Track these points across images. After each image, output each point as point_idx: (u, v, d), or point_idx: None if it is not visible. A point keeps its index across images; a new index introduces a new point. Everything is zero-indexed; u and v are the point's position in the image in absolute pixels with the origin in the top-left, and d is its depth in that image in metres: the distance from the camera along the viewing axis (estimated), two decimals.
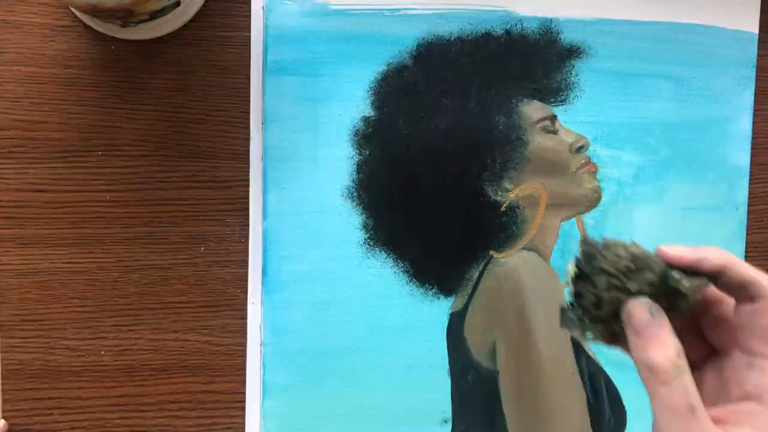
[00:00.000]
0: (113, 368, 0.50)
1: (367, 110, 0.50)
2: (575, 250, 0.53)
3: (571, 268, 0.33)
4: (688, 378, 0.29)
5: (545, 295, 0.51)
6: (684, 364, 0.29)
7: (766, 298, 0.30)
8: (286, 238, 0.50)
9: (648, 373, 0.29)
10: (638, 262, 0.31)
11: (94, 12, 0.44)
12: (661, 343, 0.29)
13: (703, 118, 0.53)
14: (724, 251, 0.31)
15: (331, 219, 0.50)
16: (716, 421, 0.28)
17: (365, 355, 0.51)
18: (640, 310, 0.30)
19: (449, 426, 0.52)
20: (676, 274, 0.31)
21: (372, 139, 0.50)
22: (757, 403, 0.28)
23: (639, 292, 0.31)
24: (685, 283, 0.31)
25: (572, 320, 0.33)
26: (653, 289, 0.31)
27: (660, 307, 0.31)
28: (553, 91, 0.52)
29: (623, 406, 0.52)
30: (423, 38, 0.51)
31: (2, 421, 0.49)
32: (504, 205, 0.51)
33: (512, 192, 0.51)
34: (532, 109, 0.51)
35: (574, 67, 0.52)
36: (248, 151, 0.50)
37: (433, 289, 0.51)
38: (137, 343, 0.50)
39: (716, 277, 0.31)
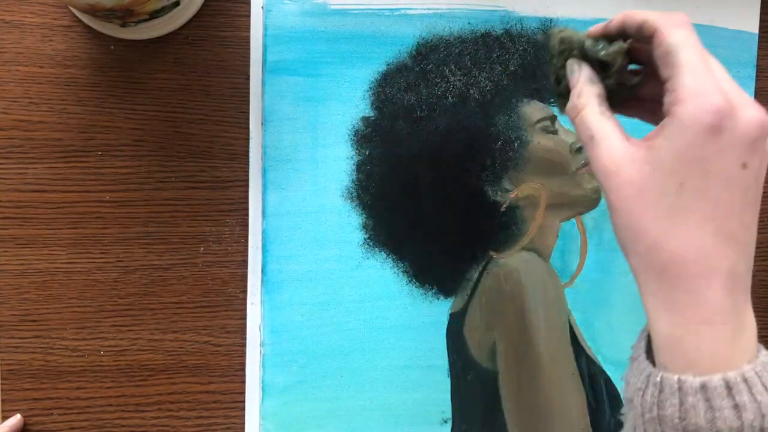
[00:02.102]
0: (112, 368, 0.50)
1: (367, 110, 0.50)
2: (575, 250, 0.53)
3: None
4: (585, 113, 0.33)
5: (545, 296, 0.51)
6: (584, 102, 0.34)
7: (659, 30, 0.33)
8: (285, 239, 0.50)
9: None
10: (564, 43, 0.36)
11: (93, 12, 0.44)
12: (574, 88, 0.35)
13: None
14: (625, 11, 0.35)
15: (330, 219, 0.50)
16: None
17: (365, 355, 0.51)
18: (568, 69, 0.36)
19: (449, 426, 0.52)
20: (592, 45, 0.35)
21: (372, 139, 0.50)
22: (669, 117, 0.31)
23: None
24: (601, 50, 0.35)
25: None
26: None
27: (581, 63, 0.35)
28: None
29: (623, 406, 0.52)
30: (423, 38, 0.51)
31: (18, 415, 0.49)
32: (504, 206, 0.51)
33: (512, 192, 0.51)
34: (532, 109, 0.51)
35: None
36: (248, 151, 0.50)
37: (433, 290, 0.51)
38: (136, 344, 0.50)
39: (628, 35, 0.35)
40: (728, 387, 0.28)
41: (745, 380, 0.29)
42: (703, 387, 0.28)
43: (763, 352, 0.30)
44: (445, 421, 0.52)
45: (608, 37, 0.35)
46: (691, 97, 0.30)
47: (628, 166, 0.31)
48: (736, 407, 0.28)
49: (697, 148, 0.30)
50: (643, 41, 0.34)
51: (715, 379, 0.28)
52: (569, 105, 0.35)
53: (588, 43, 0.35)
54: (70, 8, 0.48)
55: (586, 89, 0.34)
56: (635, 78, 0.35)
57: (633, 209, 0.31)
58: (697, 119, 0.30)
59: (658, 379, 0.30)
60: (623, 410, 0.33)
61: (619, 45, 0.34)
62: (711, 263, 0.30)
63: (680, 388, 0.29)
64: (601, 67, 0.35)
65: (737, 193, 0.30)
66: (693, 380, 0.29)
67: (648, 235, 0.31)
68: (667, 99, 0.32)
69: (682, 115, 0.30)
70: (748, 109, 0.30)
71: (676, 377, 0.29)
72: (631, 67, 0.36)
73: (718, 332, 0.29)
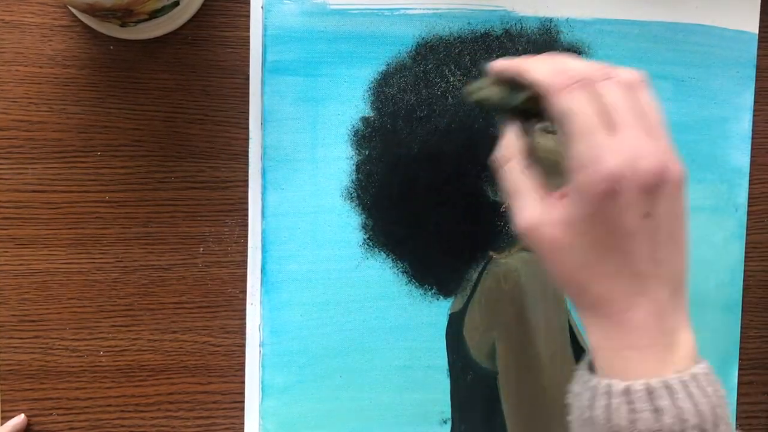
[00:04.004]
0: (112, 369, 0.50)
1: (367, 110, 0.50)
2: None
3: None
4: (509, 167, 0.36)
5: (545, 296, 0.51)
6: (509, 155, 0.36)
7: (547, 95, 0.34)
8: (285, 239, 0.50)
9: None
10: (482, 104, 0.38)
11: (93, 12, 0.44)
12: (503, 140, 0.37)
13: (702, 119, 0.53)
14: (519, 64, 0.36)
15: (330, 219, 0.50)
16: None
17: (365, 355, 0.51)
18: (498, 122, 0.38)
19: (449, 426, 0.52)
20: (502, 99, 0.38)
21: (371, 139, 0.50)
22: (571, 182, 0.34)
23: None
24: (512, 101, 0.37)
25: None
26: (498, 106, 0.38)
27: (507, 119, 0.37)
28: None
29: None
30: (423, 38, 0.50)
31: (22, 415, 0.49)
32: (504, 206, 0.51)
33: None
34: None
35: None
36: (247, 151, 0.50)
37: (433, 290, 0.51)
38: (136, 344, 0.50)
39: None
40: (649, 392, 0.31)
41: (667, 387, 0.31)
42: (627, 390, 0.31)
43: (701, 365, 0.33)
44: (445, 421, 0.52)
45: (515, 82, 0.37)
46: (583, 167, 0.33)
47: (545, 226, 0.34)
48: (656, 411, 0.31)
49: (598, 212, 0.32)
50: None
51: (638, 384, 0.31)
52: (497, 154, 0.37)
53: (499, 98, 0.37)
54: (70, 8, 0.48)
55: (511, 144, 0.37)
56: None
57: (556, 261, 0.34)
58: (591, 187, 0.32)
59: (593, 383, 0.33)
60: (568, 417, 0.35)
61: (525, 94, 0.36)
62: (631, 300, 0.33)
63: (607, 392, 0.32)
64: (521, 112, 0.37)
65: (644, 240, 0.33)
66: (618, 384, 0.32)
67: (574, 282, 0.34)
68: (567, 164, 0.34)
69: (579, 183, 0.33)
70: (643, 161, 0.32)
71: (605, 381, 0.32)
72: None
73: (646, 354, 0.33)
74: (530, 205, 0.35)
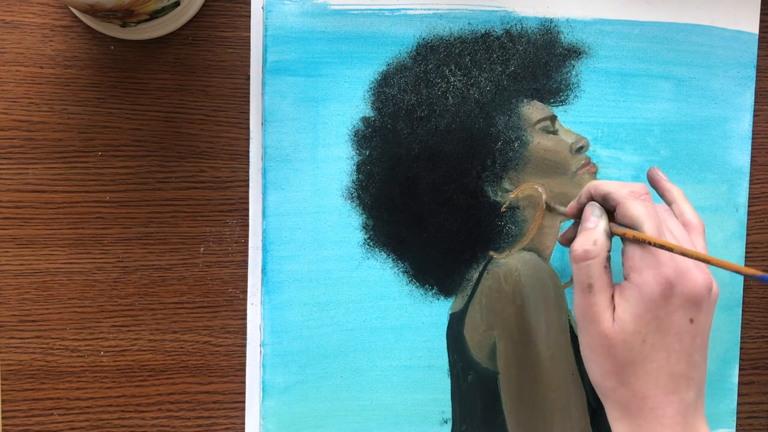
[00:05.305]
0: (112, 369, 0.50)
1: (367, 111, 0.50)
2: None
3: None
4: (594, 263, 0.39)
5: (545, 296, 0.51)
6: (597, 252, 0.39)
7: (620, 203, 0.40)
8: (285, 239, 0.50)
9: (570, 255, 0.40)
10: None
11: (94, 12, 0.44)
12: (585, 233, 0.40)
13: (702, 119, 0.53)
14: (590, 183, 0.43)
15: (330, 219, 0.50)
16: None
17: (365, 355, 0.51)
18: (588, 210, 0.41)
19: (449, 426, 0.52)
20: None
21: (372, 139, 0.50)
22: (626, 280, 0.39)
23: None
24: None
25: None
26: None
27: (604, 212, 0.41)
28: (553, 92, 0.52)
29: None
30: (423, 38, 0.51)
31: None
32: (504, 206, 0.51)
33: (512, 193, 0.51)
34: (532, 110, 0.51)
35: (574, 67, 0.52)
36: (248, 151, 0.50)
37: (433, 290, 0.51)
38: (136, 344, 0.50)
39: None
40: None
41: None
42: None
43: None
44: (445, 422, 0.52)
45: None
46: (647, 268, 0.37)
47: (605, 322, 0.38)
48: None
49: (653, 311, 0.37)
50: (608, 206, 0.42)
51: None
52: (583, 246, 0.39)
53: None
54: (71, 8, 0.48)
55: (601, 240, 0.39)
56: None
57: (605, 355, 0.38)
58: (650, 288, 0.37)
59: None
60: None
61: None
62: (665, 397, 0.37)
63: None
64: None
65: (686, 342, 0.38)
66: None
67: (614, 377, 0.38)
68: (625, 261, 0.39)
69: (639, 283, 0.37)
70: (694, 273, 0.38)
71: None
72: None
73: None
74: (605, 301, 0.38)
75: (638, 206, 0.39)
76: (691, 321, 0.38)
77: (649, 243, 0.38)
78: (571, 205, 0.44)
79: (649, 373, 0.37)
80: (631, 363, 0.38)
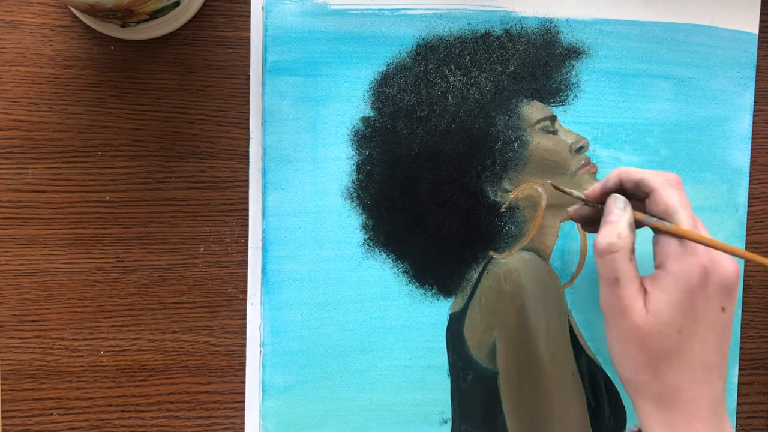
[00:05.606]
0: (112, 369, 0.50)
1: (367, 110, 0.50)
2: (575, 250, 0.53)
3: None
4: (619, 255, 0.37)
5: (545, 296, 0.51)
6: (621, 245, 0.38)
7: (655, 190, 0.39)
8: (285, 239, 0.50)
9: (593, 249, 0.39)
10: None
11: (94, 12, 0.44)
12: (608, 226, 0.39)
13: (702, 119, 0.53)
14: (620, 168, 0.41)
15: (330, 219, 0.50)
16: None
17: (365, 355, 0.51)
18: (612, 202, 0.40)
19: (449, 426, 0.52)
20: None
21: (372, 139, 0.50)
22: (660, 269, 0.38)
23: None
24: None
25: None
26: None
27: (628, 204, 0.40)
28: (553, 92, 0.52)
29: (623, 407, 0.52)
30: (423, 38, 0.51)
31: None
32: (504, 206, 0.51)
33: (512, 193, 0.51)
34: (532, 110, 0.51)
35: (573, 67, 0.52)
36: (248, 151, 0.50)
37: (433, 290, 0.51)
38: (136, 344, 0.50)
39: (627, 190, 0.41)
40: None
41: None
42: None
43: None
44: (445, 422, 0.52)
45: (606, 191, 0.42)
46: (682, 255, 0.37)
47: (637, 314, 0.37)
48: None
49: (690, 300, 0.36)
50: (637, 196, 0.41)
51: None
52: (607, 239, 0.38)
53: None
54: (70, 8, 0.48)
55: (626, 233, 0.38)
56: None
57: (637, 348, 0.37)
58: (688, 275, 0.36)
59: None
60: None
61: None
62: (700, 389, 0.37)
63: None
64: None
65: (719, 331, 0.37)
66: None
67: (648, 370, 0.37)
68: (659, 251, 0.38)
69: (676, 271, 0.37)
70: (725, 261, 0.38)
71: None
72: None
73: None
74: (633, 293, 0.37)
75: (674, 194, 0.39)
76: (723, 310, 0.37)
77: (683, 237, 0.37)
78: (594, 188, 0.43)
79: (685, 364, 0.37)
80: (666, 354, 0.37)
